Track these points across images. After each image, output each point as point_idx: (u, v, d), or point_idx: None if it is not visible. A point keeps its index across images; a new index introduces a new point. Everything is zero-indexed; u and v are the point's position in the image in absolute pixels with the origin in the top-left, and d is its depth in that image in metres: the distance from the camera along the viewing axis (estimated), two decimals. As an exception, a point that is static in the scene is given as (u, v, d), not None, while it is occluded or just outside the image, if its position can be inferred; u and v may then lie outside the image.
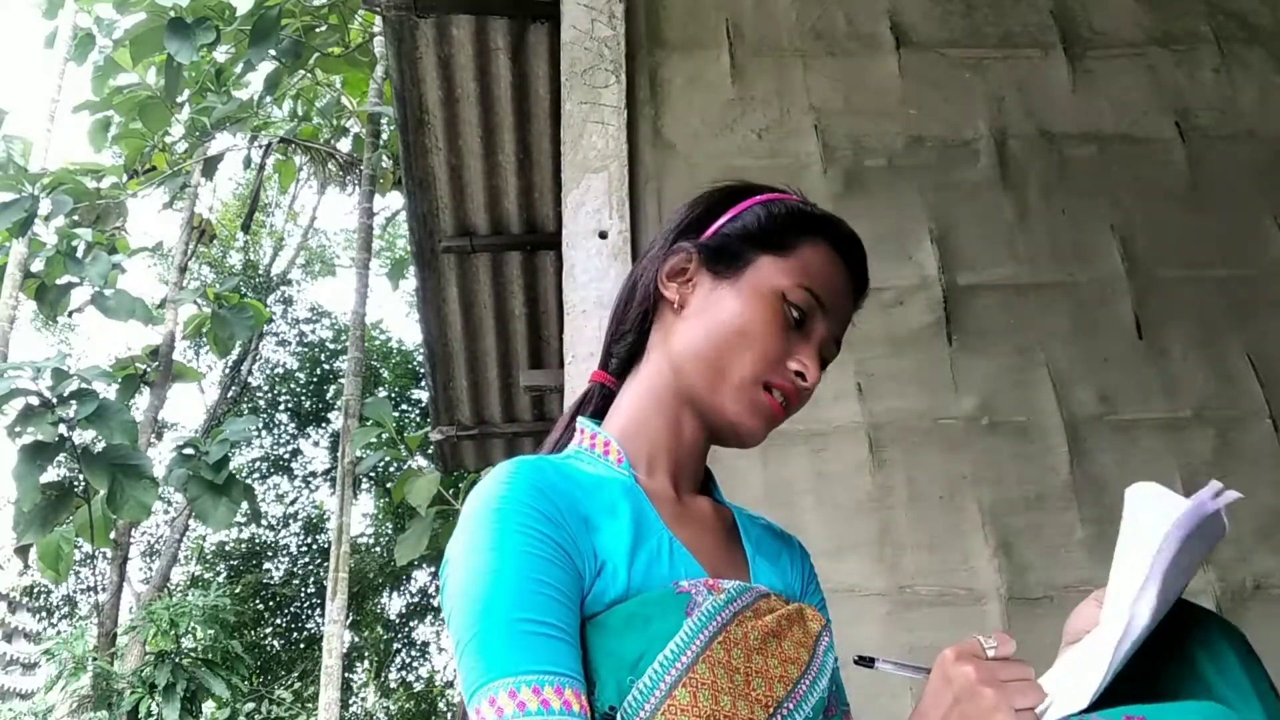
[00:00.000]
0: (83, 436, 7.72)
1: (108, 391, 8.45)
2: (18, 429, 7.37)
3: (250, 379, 15.56)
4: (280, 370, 16.35)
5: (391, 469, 13.42)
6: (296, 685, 14.15)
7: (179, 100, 9.86)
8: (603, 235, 1.99)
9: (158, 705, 9.12)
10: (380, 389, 15.14)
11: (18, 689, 17.24)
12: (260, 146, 11.08)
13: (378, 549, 14.93)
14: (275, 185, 14.88)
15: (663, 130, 2.16)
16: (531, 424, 4.28)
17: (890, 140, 2.20)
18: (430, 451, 5.78)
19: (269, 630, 14.86)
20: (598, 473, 0.89)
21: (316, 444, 16.10)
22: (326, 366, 16.14)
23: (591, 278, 1.95)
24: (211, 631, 10.26)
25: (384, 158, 9.91)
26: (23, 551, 8.42)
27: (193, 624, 9.97)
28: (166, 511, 14.33)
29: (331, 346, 16.19)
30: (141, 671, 9.38)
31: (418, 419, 14.22)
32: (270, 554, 15.31)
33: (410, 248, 3.91)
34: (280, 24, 8.25)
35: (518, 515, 0.77)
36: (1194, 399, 1.99)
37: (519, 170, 3.32)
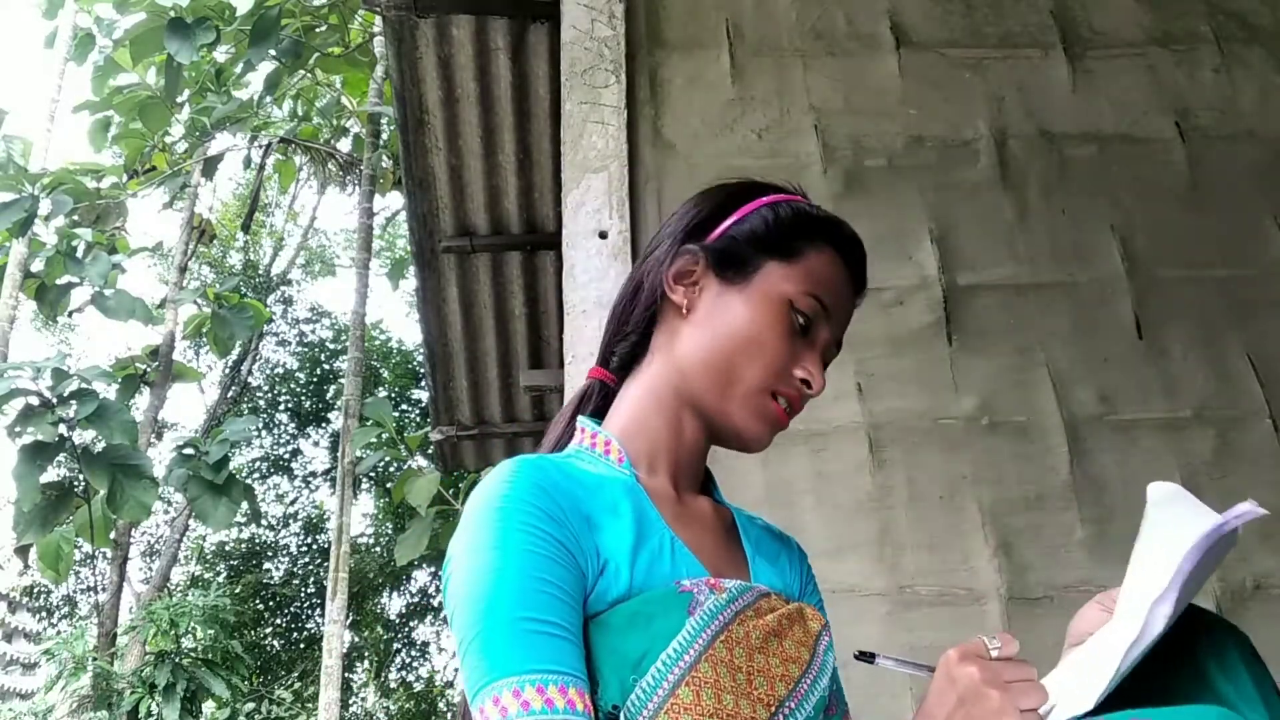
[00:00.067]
0: (83, 436, 7.72)
1: (108, 391, 8.46)
2: (18, 429, 7.37)
3: (250, 379, 15.56)
4: (280, 370, 16.36)
5: (391, 469, 13.43)
6: (296, 685, 14.15)
7: (179, 100, 9.86)
8: (603, 235, 1.99)
9: (158, 705, 9.12)
10: (380, 389, 15.14)
11: (18, 689, 17.24)
12: (260, 146, 11.08)
13: (378, 549, 14.93)
14: (275, 185, 14.89)
15: (663, 130, 2.16)
16: (531, 424, 4.28)
17: (890, 140, 2.20)
18: (430, 451, 5.78)
19: (269, 630, 14.86)
20: (599, 472, 0.89)
21: (316, 444, 16.12)
22: (326, 366, 16.14)
23: (591, 278, 1.95)
24: (211, 631, 10.25)
25: (384, 158, 9.91)
26: (23, 551, 8.42)
27: (193, 624, 9.97)
28: (166, 511, 14.34)
29: (331, 346, 16.19)
30: (141, 671, 9.38)
31: (418, 419, 14.22)
32: (270, 554, 15.31)
33: (410, 248, 3.91)
34: (280, 24, 8.25)
35: (520, 514, 0.77)
36: (1194, 399, 1.99)
37: (519, 170, 3.32)
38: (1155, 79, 2.30)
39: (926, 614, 1.79)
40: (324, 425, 15.91)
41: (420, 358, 13.06)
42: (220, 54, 9.92)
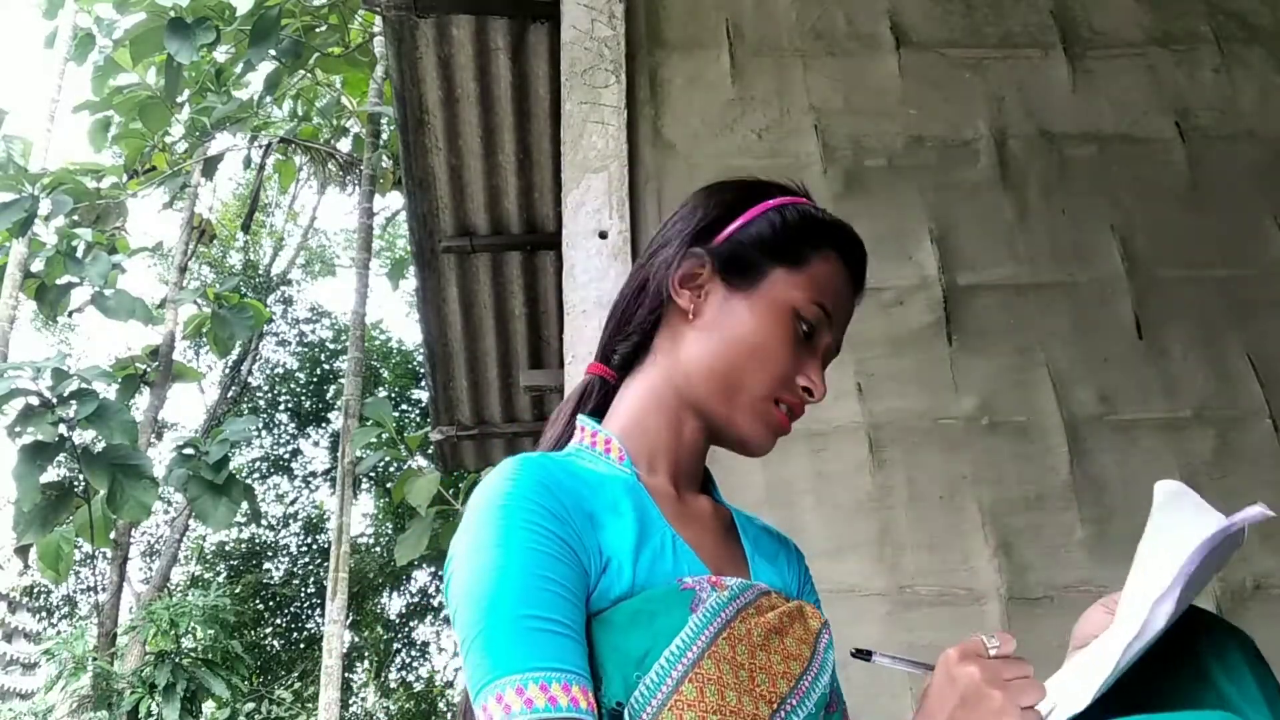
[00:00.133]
0: (83, 436, 7.72)
1: (108, 391, 8.45)
2: (18, 429, 7.37)
3: (250, 379, 15.56)
4: (280, 370, 16.36)
5: (391, 469, 13.42)
6: (296, 685, 14.15)
7: (179, 100, 9.86)
8: (603, 235, 1.99)
9: (158, 705, 9.12)
10: (380, 389, 15.14)
11: (18, 689, 17.24)
12: (260, 146, 11.08)
13: (378, 549, 14.93)
14: (275, 185, 14.88)
15: (663, 130, 2.16)
16: (531, 424, 4.28)
17: (890, 140, 2.20)
18: (430, 451, 5.78)
19: (269, 630, 14.86)
20: (600, 470, 0.89)
21: (316, 444, 16.12)
22: (326, 366, 16.14)
23: (591, 278, 1.95)
24: (211, 631, 10.25)
25: (384, 158, 9.90)
26: (23, 551, 8.42)
27: (193, 624, 9.97)
28: (166, 511, 14.34)
29: (331, 346, 16.19)
30: (141, 671, 9.38)
31: (418, 419, 14.22)
32: (270, 554, 15.31)
33: (410, 248, 3.91)
34: (280, 24, 8.25)
35: (523, 512, 0.78)
36: (1194, 399, 1.99)
37: (519, 170, 3.32)
38: (1155, 79, 2.30)
39: (926, 614, 1.79)
40: (324, 425, 15.92)
41: (420, 358, 13.06)
42: (220, 54, 9.92)
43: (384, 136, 9.71)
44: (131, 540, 11.28)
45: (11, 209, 8.52)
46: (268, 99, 10.45)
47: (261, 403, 15.73)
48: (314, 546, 15.31)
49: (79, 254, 9.07)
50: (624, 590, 0.79)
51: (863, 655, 0.80)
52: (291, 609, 14.91)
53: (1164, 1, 2.39)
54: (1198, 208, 2.17)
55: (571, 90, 2.13)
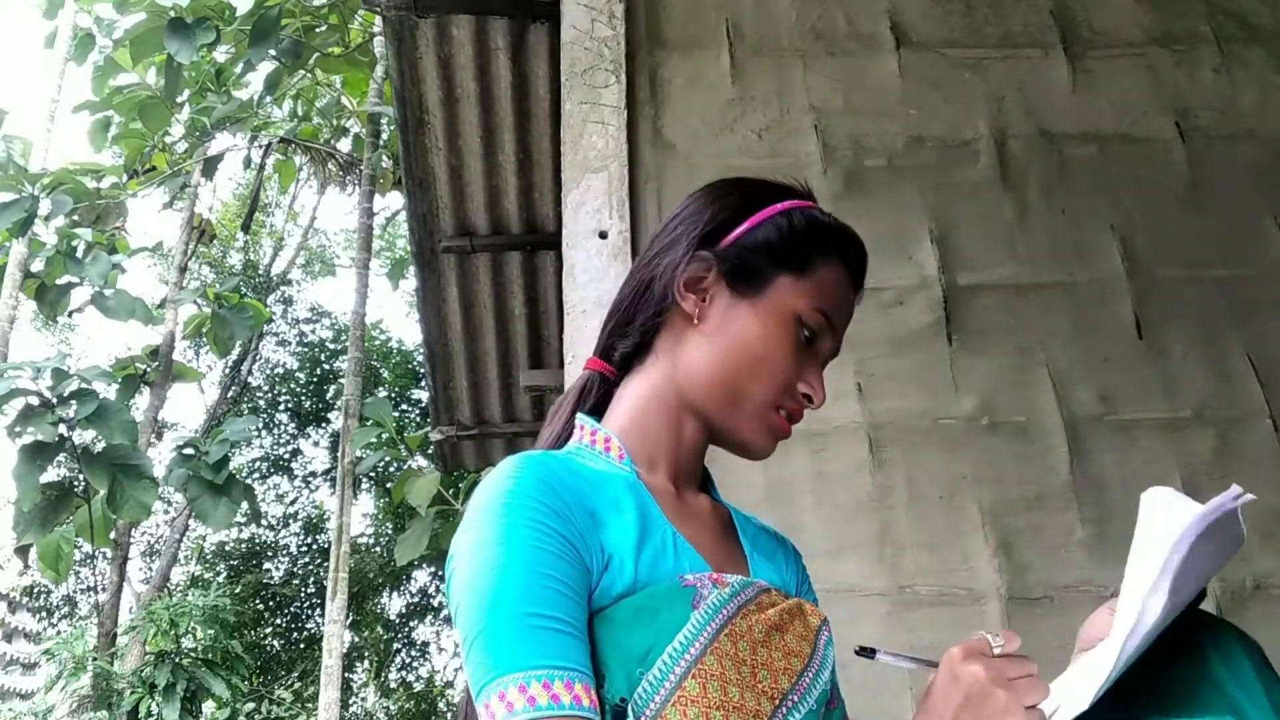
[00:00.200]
0: (83, 436, 7.72)
1: (108, 391, 8.46)
2: (18, 429, 7.37)
3: (250, 379, 15.56)
4: (280, 370, 16.36)
5: (391, 469, 13.43)
6: (296, 685, 14.15)
7: (179, 100, 9.86)
8: (603, 235, 1.99)
9: (158, 705, 9.12)
10: (380, 389, 15.14)
11: (18, 689, 17.24)
12: (260, 146, 11.08)
13: (378, 549, 14.93)
14: (275, 185, 14.88)
15: (663, 130, 2.16)
16: (531, 424, 4.28)
17: (890, 140, 2.20)
18: (430, 451, 5.78)
19: (269, 630, 14.86)
20: (600, 468, 0.89)
21: (316, 444, 16.12)
22: (326, 366, 16.14)
23: (591, 278, 1.95)
24: (211, 631, 10.25)
25: (384, 158, 9.90)
26: (23, 551, 8.42)
27: (193, 624, 9.97)
28: (166, 511, 14.34)
29: (331, 346, 16.19)
30: (141, 671, 9.38)
31: (418, 419, 14.22)
32: (270, 554, 15.31)
33: (410, 248, 3.91)
34: (280, 24, 8.25)
35: (525, 510, 0.78)
36: (1194, 399, 1.99)
37: (519, 170, 3.32)
38: (1155, 79, 2.30)
39: (926, 614, 1.79)
40: (324, 425, 15.92)
41: (420, 358, 13.06)
42: (220, 54, 9.92)
43: (384, 136, 9.71)
44: (131, 540, 11.29)
45: (11, 209, 8.52)
46: (268, 99, 10.46)
47: (261, 403, 15.73)
48: (314, 546, 15.31)
49: (79, 254, 9.08)
50: (626, 587, 0.79)
51: (866, 653, 0.80)
52: (291, 609, 14.91)
53: (1164, 1, 2.39)
54: (1198, 208, 2.17)
55: (571, 90, 2.13)
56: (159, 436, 12.86)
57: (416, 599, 15.48)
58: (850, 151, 2.17)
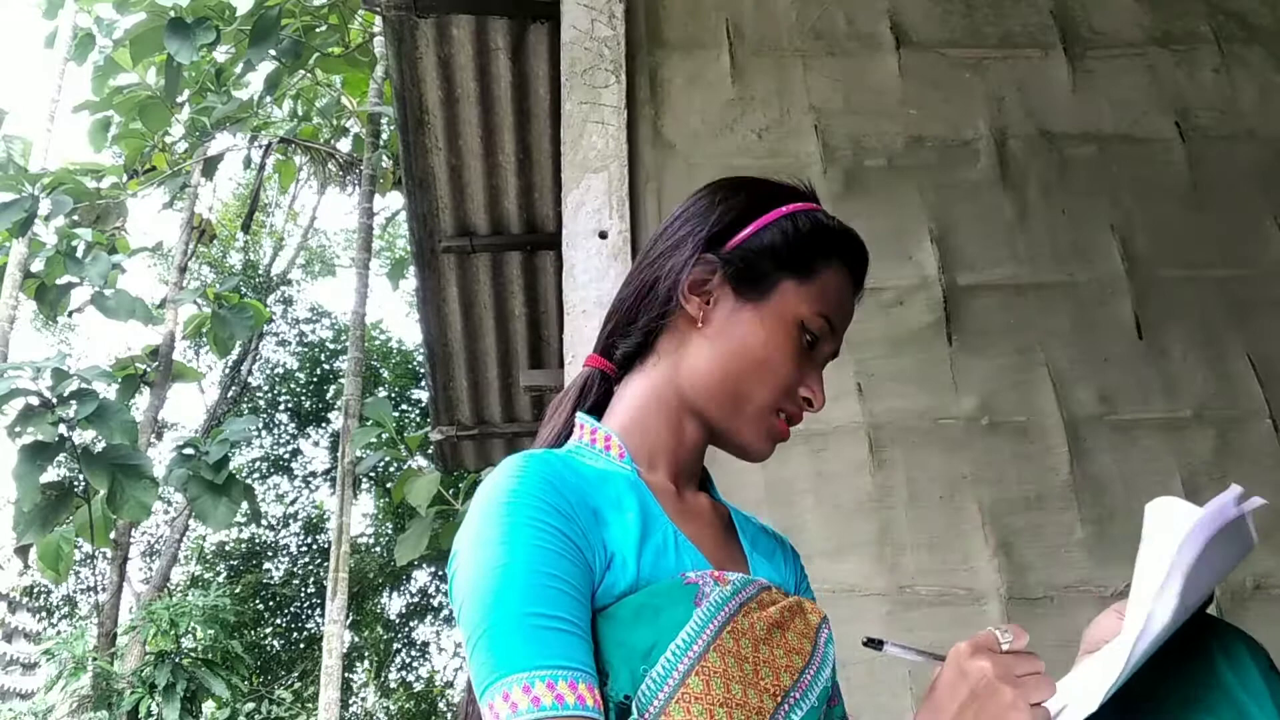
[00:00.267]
0: (83, 436, 7.72)
1: (108, 391, 8.45)
2: (18, 429, 7.37)
3: (250, 379, 15.55)
4: (280, 370, 16.36)
5: (391, 469, 13.42)
6: (296, 685, 14.14)
7: (179, 100, 9.86)
8: (603, 235, 1.99)
9: (158, 705, 9.12)
10: (380, 389, 15.13)
11: (18, 689, 17.23)
12: (260, 146, 11.08)
13: (378, 549, 14.93)
14: (275, 185, 14.88)
15: (663, 130, 2.16)
16: (531, 424, 4.28)
17: (890, 140, 2.20)
18: (430, 451, 5.77)
19: (269, 630, 14.86)
20: (600, 467, 0.90)
21: (316, 444, 16.11)
22: (326, 366, 16.14)
23: (591, 278, 1.95)
24: (211, 631, 10.25)
25: (384, 158, 9.90)
26: (23, 551, 8.41)
27: (193, 624, 9.96)
28: (166, 511, 14.34)
29: (331, 346, 16.19)
30: (141, 671, 9.38)
31: (418, 419, 14.22)
32: (270, 554, 15.31)
33: (410, 248, 3.91)
34: (280, 24, 8.25)
35: (528, 508, 0.78)
36: (1194, 399, 1.99)
37: (519, 170, 3.32)
38: (1155, 79, 2.30)
39: (926, 614, 1.79)
40: (324, 425, 15.92)
41: (420, 358, 13.07)
42: (220, 54, 9.91)
43: (384, 136, 9.70)
44: (131, 540, 11.28)
45: (11, 209, 8.52)
46: (268, 99, 10.46)
47: (261, 403, 15.73)
48: (314, 546, 15.31)
49: (79, 254, 9.08)
50: (628, 585, 0.80)
51: (874, 644, 0.80)
52: (291, 609, 14.91)
53: (1164, 1, 2.39)
54: (1198, 208, 2.17)
55: (571, 90, 2.13)
56: (159, 436, 12.86)
57: (416, 599, 15.49)
58: (850, 151, 2.17)
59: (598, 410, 0.97)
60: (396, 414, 13.57)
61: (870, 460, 1.90)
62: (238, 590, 13.69)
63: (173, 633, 9.61)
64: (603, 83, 2.13)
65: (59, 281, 9.14)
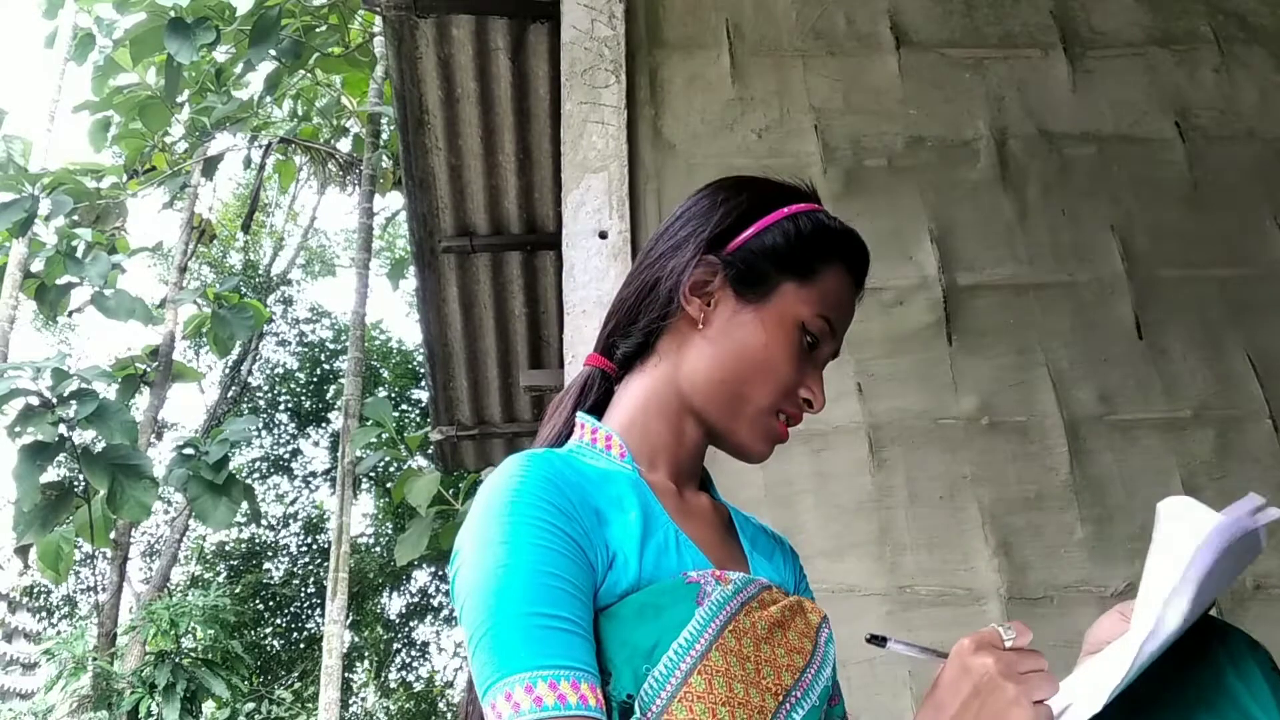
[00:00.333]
0: (83, 436, 7.72)
1: (108, 391, 8.46)
2: (18, 429, 7.37)
3: (250, 379, 15.56)
4: (280, 370, 16.36)
5: (391, 469, 13.43)
6: (296, 685, 14.15)
7: (179, 100, 9.87)
8: (603, 235, 1.99)
9: (158, 705, 9.12)
10: (380, 389, 15.14)
11: (18, 689, 17.23)
12: (260, 146, 11.09)
13: (378, 549, 14.93)
14: (275, 185, 14.89)
15: (663, 130, 2.16)
16: (531, 424, 4.28)
17: (890, 140, 2.20)
18: (430, 451, 5.78)
19: (269, 630, 14.86)
20: (601, 466, 0.90)
21: (316, 444, 16.12)
22: (326, 366, 16.14)
23: (591, 278, 1.95)
24: (211, 631, 10.26)
25: (384, 158, 9.91)
26: (23, 551, 8.42)
27: (193, 624, 9.97)
28: (166, 511, 14.34)
29: (331, 346, 16.19)
30: (141, 671, 9.38)
31: (418, 419, 14.23)
32: (270, 554, 15.31)
33: (410, 248, 3.91)
34: (280, 24, 8.25)
35: (531, 508, 0.78)
36: (1194, 399, 1.99)
37: (519, 170, 3.32)
38: (1155, 79, 2.30)
39: (926, 614, 1.79)
40: (324, 425, 15.92)
41: (420, 358, 13.06)
42: (220, 54, 9.92)
43: (384, 136, 9.71)
44: (131, 540, 11.28)
45: (11, 209, 8.53)
46: (268, 99, 10.46)
47: (261, 403, 15.74)
48: (314, 546, 15.31)
49: (79, 254, 9.08)
50: (630, 584, 0.79)
51: (878, 641, 0.80)
52: (291, 609, 14.91)
53: (1164, 1, 2.39)
54: (1198, 208, 2.17)
55: (571, 90, 2.13)
56: (159, 436, 12.86)
57: (416, 599, 15.49)
58: (850, 151, 2.18)
59: (598, 410, 0.97)
60: (396, 414, 13.58)
61: (870, 460, 1.90)
62: (238, 590, 13.70)
63: (173, 633, 9.61)
64: (603, 83, 2.13)
65: (59, 281, 9.15)
